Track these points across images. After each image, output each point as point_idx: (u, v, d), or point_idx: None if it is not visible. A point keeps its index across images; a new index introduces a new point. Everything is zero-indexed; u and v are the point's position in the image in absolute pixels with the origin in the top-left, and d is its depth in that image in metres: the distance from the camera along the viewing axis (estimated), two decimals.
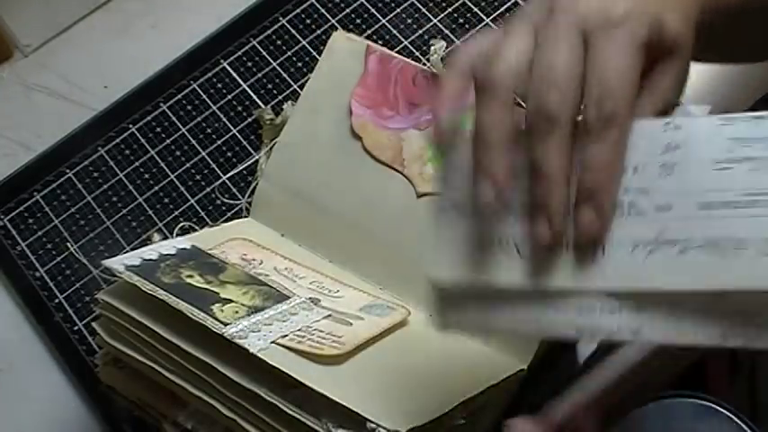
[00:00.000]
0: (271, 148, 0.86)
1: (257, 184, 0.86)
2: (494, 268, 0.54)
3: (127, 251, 0.87)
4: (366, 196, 0.80)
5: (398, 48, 0.90)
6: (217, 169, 0.89)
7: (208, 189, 0.88)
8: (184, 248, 0.76)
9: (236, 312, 0.69)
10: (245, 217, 0.86)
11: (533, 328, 0.55)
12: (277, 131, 0.87)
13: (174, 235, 0.86)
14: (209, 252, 0.76)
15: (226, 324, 0.67)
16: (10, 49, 0.97)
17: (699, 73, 0.85)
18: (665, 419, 0.75)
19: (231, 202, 0.88)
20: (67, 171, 0.91)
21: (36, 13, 0.98)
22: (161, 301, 0.68)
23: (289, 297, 0.73)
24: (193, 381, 0.69)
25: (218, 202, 0.88)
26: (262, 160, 0.88)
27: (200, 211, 0.88)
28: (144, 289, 0.69)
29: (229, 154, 0.89)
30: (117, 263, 0.71)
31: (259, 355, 0.65)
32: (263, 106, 0.91)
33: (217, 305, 0.70)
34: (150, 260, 0.73)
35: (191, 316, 0.67)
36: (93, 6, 0.98)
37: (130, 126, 0.92)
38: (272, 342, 0.67)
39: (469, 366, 0.72)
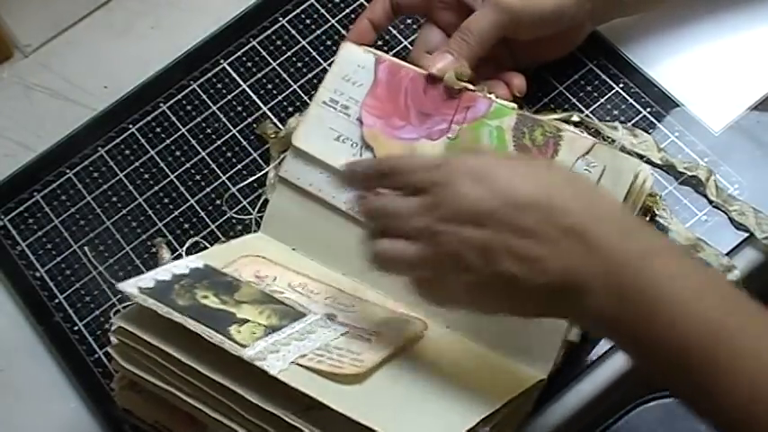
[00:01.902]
0: (280, 162, 0.86)
1: (266, 198, 0.85)
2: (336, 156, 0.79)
3: (126, 251, 0.87)
4: None
5: (398, 48, 0.90)
6: (217, 169, 0.89)
7: (208, 189, 0.88)
8: (197, 268, 0.75)
9: (254, 333, 0.69)
10: (253, 226, 0.86)
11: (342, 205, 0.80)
12: (284, 143, 0.86)
13: (184, 250, 0.86)
14: (222, 271, 0.76)
15: (244, 346, 0.67)
16: (10, 49, 0.97)
17: (699, 75, 0.85)
18: (665, 419, 0.75)
19: (239, 217, 0.87)
20: (67, 171, 0.91)
21: (36, 13, 0.98)
22: (177, 323, 0.68)
23: (305, 315, 0.73)
24: (212, 404, 0.68)
25: (218, 202, 0.87)
26: (271, 174, 0.87)
27: (200, 211, 0.88)
28: (160, 312, 0.68)
29: (229, 154, 0.89)
30: (131, 286, 0.70)
31: (279, 377, 0.65)
32: (262, 107, 0.91)
33: (234, 326, 0.69)
34: (164, 281, 0.72)
35: (208, 339, 0.67)
36: (93, 6, 0.99)
37: (130, 126, 0.92)
38: (291, 362, 0.67)
39: (490, 379, 0.72)
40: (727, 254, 0.78)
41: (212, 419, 0.68)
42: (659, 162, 0.81)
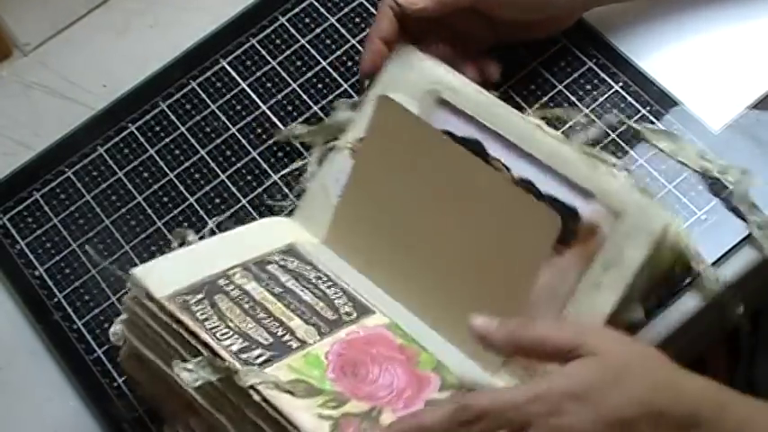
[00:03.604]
0: (325, 153, 0.84)
1: (303, 187, 0.85)
2: None
3: (126, 250, 0.87)
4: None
5: None
6: (216, 168, 0.89)
7: (207, 188, 0.88)
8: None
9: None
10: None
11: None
12: (330, 132, 0.85)
13: (208, 232, 0.85)
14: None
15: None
16: (10, 49, 0.97)
17: (698, 73, 0.85)
18: None
19: (279, 203, 0.88)
20: (67, 170, 0.91)
21: (36, 12, 0.98)
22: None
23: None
24: (209, 398, 0.69)
25: (217, 201, 0.87)
26: (312, 162, 0.85)
27: (200, 209, 0.88)
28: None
29: (228, 153, 0.89)
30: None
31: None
32: (262, 105, 0.91)
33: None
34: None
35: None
36: (92, 6, 0.99)
37: (129, 125, 0.92)
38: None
39: None
40: (726, 253, 0.78)
41: (206, 411, 0.69)
42: (698, 169, 0.80)
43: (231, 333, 0.70)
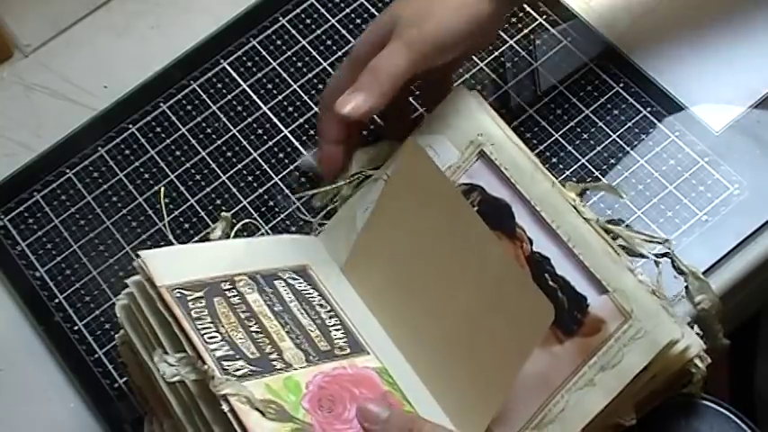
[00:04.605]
0: (361, 181, 0.83)
1: (335, 207, 0.84)
2: None
3: (126, 251, 0.87)
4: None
5: None
6: (217, 169, 0.89)
7: (208, 189, 0.88)
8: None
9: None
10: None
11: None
12: (369, 160, 0.83)
13: (233, 233, 0.85)
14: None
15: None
16: (10, 49, 0.97)
17: (699, 74, 0.85)
18: (666, 419, 0.75)
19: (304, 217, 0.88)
20: (67, 171, 0.91)
21: (36, 13, 0.98)
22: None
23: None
24: (180, 400, 0.69)
25: (218, 202, 0.88)
26: (350, 185, 0.84)
27: (200, 211, 0.88)
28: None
29: (229, 154, 0.89)
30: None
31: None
32: (262, 106, 0.91)
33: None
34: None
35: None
36: (93, 6, 0.99)
37: (130, 126, 0.92)
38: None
39: None
40: (727, 254, 0.78)
41: (176, 414, 0.69)
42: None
43: (219, 338, 0.69)
